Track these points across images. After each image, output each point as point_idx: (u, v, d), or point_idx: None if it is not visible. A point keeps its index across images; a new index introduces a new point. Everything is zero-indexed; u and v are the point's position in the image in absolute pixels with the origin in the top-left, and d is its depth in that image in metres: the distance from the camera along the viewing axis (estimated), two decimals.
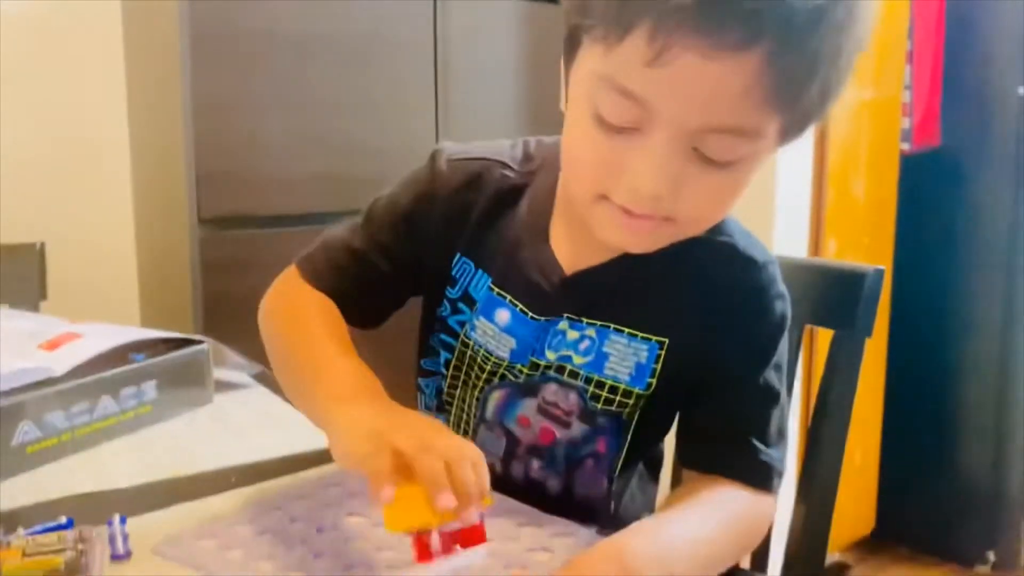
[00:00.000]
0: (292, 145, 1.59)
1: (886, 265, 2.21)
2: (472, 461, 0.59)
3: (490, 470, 0.66)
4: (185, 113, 1.47)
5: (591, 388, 0.80)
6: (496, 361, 0.82)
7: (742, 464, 0.76)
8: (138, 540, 0.70)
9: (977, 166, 2.23)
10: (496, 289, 0.82)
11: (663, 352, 0.78)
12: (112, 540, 0.69)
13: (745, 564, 0.92)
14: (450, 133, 1.73)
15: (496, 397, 0.84)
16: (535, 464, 0.84)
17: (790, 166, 1.94)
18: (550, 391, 0.81)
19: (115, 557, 0.67)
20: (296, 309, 0.82)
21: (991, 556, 2.29)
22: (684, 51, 0.57)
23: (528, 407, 0.83)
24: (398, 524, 0.59)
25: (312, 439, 0.94)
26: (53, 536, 0.68)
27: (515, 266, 0.81)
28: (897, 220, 2.23)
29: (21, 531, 0.69)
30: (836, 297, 1.03)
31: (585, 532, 0.71)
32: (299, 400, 0.78)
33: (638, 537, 0.62)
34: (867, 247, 2.16)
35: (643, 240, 0.70)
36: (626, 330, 0.78)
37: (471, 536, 0.60)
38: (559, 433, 0.82)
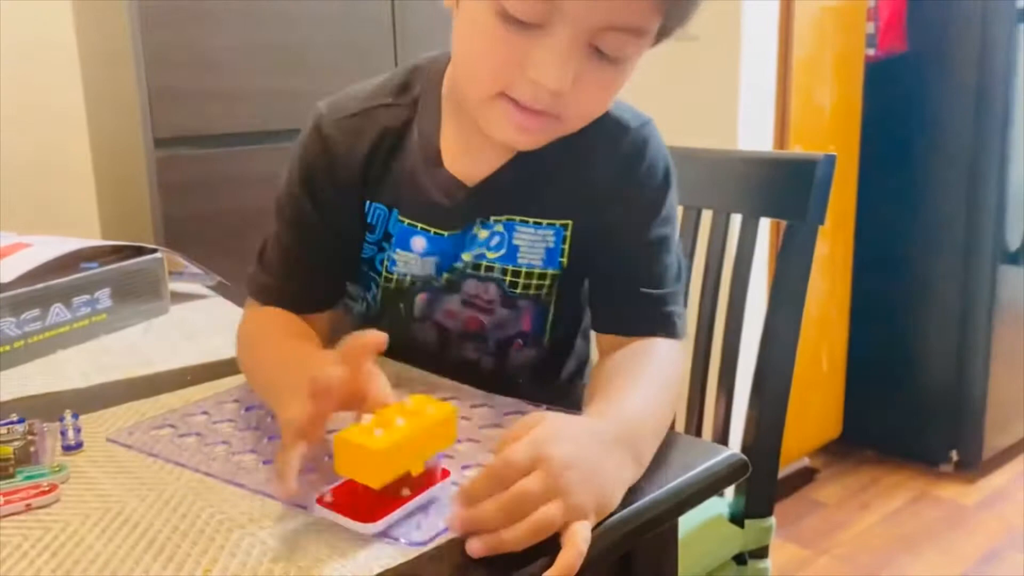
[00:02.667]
0: (245, 60, 1.55)
1: (852, 171, 2.23)
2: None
3: (427, 356, 0.79)
4: (133, 28, 1.43)
5: (507, 278, 0.83)
6: (419, 279, 0.85)
7: (653, 320, 0.79)
8: (91, 434, 0.71)
9: (942, 70, 2.22)
10: (406, 220, 0.83)
11: (568, 233, 0.82)
12: (64, 432, 0.69)
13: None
14: (405, 45, 1.70)
15: (420, 298, 0.86)
16: (469, 347, 0.87)
17: (753, 74, 1.93)
18: (470, 286, 0.84)
19: (67, 448, 0.68)
20: (250, 338, 0.82)
21: (954, 456, 2.35)
22: None
23: (452, 302, 0.85)
24: (380, 477, 0.54)
25: None
26: (2, 430, 0.68)
27: (417, 194, 0.82)
28: (863, 126, 2.23)
29: None
30: (789, 187, 1.03)
31: (535, 410, 0.72)
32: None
33: (631, 408, 0.65)
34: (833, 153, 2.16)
35: (533, 136, 0.73)
36: (531, 220, 0.81)
37: (433, 477, 0.59)
38: (485, 319, 0.86)
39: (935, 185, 2.28)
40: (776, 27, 1.96)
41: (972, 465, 2.34)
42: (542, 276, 0.83)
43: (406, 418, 0.56)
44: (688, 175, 1.16)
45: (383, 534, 0.55)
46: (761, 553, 1.05)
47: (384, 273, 0.86)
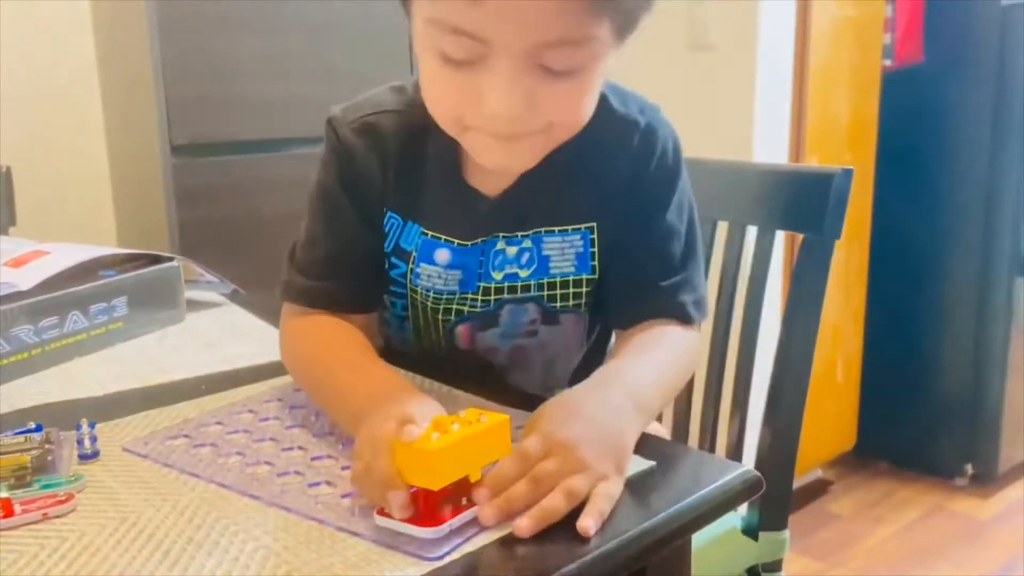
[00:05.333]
0: (262, 67, 1.56)
1: (867, 181, 2.22)
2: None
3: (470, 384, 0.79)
4: (151, 35, 1.44)
5: (545, 292, 0.83)
6: (448, 297, 0.84)
7: (666, 310, 0.81)
8: (107, 443, 0.71)
9: (959, 81, 2.21)
10: (429, 233, 0.82)
11: (595, 236, 0.82)
12: (80, 442, 0.69)
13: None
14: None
15: (460, 332, 0.86)
16: (516, 374, 0.89)
17: (770, 84, 1.92)
18: (507, 314, 0.84)
19: (83, 457, 0.68)
20: (305, 351, 0.82)
21: (969, 469, 2.33)
22: None
23: (492, 337, 0.86)
24: (440, 479, 0.55)
25: None
26: (20, 438, 0.68)
27: (439, 206, 0.82)
28: (879, 137, 2.22)
29: None
30: (805, 200, 1.03)
31: None
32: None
33: (633, 370, 0.72)
34: (849, 164, 2.15)
35: (522, 157, 0.74)
36: (556, 228, 0.82)
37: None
38: (529, 343, 0.86)
39: (951, 196, 2.27)
40: (792, 37, 1.96)
41: (988, 479, 2.32)
42: (578, 283, 0.83)
43: (461, 425, 0.57)
44: (704, 186, 1.16)
45: (445, 540, 0.55)
46: (775, 566, 1.05)
47: (408, 286, 0.85)
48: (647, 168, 0.81)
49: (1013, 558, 2.01)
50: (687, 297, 0.82)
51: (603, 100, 0.79)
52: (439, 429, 0.56)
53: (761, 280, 1.08)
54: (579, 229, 0.82)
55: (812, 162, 2.04)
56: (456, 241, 0.82)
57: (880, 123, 2.21)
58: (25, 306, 0.87)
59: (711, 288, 1.12)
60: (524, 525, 0.55)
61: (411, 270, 0.84)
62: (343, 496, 0.62)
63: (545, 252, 0.82)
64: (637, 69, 1.85)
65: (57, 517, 0.60)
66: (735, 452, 1.09)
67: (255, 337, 1.00)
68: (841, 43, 2.06)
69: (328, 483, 0.64)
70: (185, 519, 0.59)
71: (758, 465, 1.05)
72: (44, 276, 0.90)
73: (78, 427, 0.72)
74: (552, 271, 0.82)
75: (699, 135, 1.99)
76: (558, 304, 0.84)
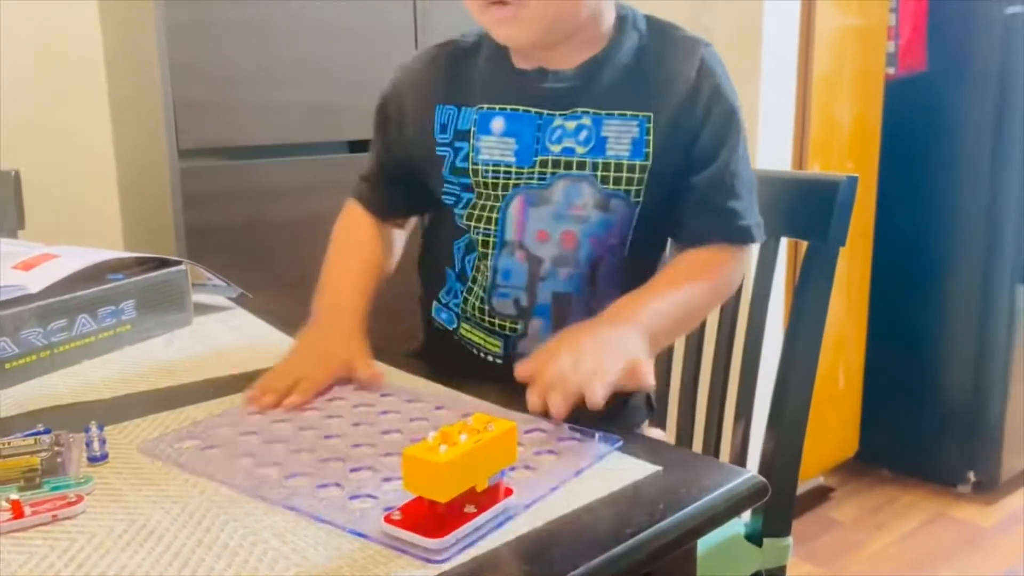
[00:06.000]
0: (270, 72, 1.57)
1: (870, 188, 2.22)
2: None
3: (514, 304, 0.92)
4: (159, 39, 1.45)
5: (599, 172, 0.89)
6: (506, 170, 0.91)
7: (727, 231, 0.91)
8: (116, 445, 0.72)
9: (962, 89, 2.22)
10: (484, 106, 0.92)
11: (651, 125, 0.88)
12: (89, 444, 0.70)
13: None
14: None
15: (514, 212, 0.91)
16: (562, 274, 0.92)
17: (773, 90, 1.93)
18: (560, 190, 0.90)
19: (92, 459, 0.69)
20: (336, 232, 1.03)
21: (971, 476, 2.33)
22: None
23: (544, 217, 0.91)
24: (447, 491, 0.55)
25: None
26: (30, 440, 0.69)
27: (492, 87, 0.93)
28: (882, 144, 2.22)
29: None
30: (810, 207, 1.04)
31: (592, 444, 0.71)
32: None
33: (634, 296, 0.85)
34: (851, 171, 2.15)
35: (511, 27, 0.85)
36: (616, 112, 0.89)
37: (497, 495, 0.59)
38: (578, 230, 0.90)
39: (953, 204, 2.28)
40: (796, 44, 1.96)
41: (990, 486, 2.32)
42: (631, 168, 0.89)
43: (468, 435, 0.57)
44: None
45: (447, 550, 0.55)
46: (778, 573, 1.05)
47: (470, 167, 0.92)
48: (707, 83, 0.89)
49: (1015, 566, 2.01)
50: (750, 220, 0.91)
51: (669, 25, 0.93)
52: (446, 440, 0.56)
53: (766, 287, 1.09)
54: (636, 116, 0.88)
55: (815, 169, 2.05)
56: (509, 107, 0.91)
57: (883, 131, 2.21)
58: (35, 309, 0.88)
59: None
60: (557, 403, 0.71)
61: (472, 146, 0.92)
62: (351, 498, 0.62)
63: (604, 133, 0.88)
64: None
65: (67, 519, 0.60)
66: (739, 458, 1.10)
67: (262, 341, 1.01)
68: (845, 50, 2.07)
69: (337, 485, 0.64)
70: (194, 521, 0.60)
71: (762, 471, 1.05)
72: (53, 279, 0.91)
73: (87, 430, 0.72)
74: (608, 152, 0.88)
75: None
76: (611, 186, 0.89)
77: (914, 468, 2.42)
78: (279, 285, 1.17)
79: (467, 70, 0.94)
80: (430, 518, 0.56)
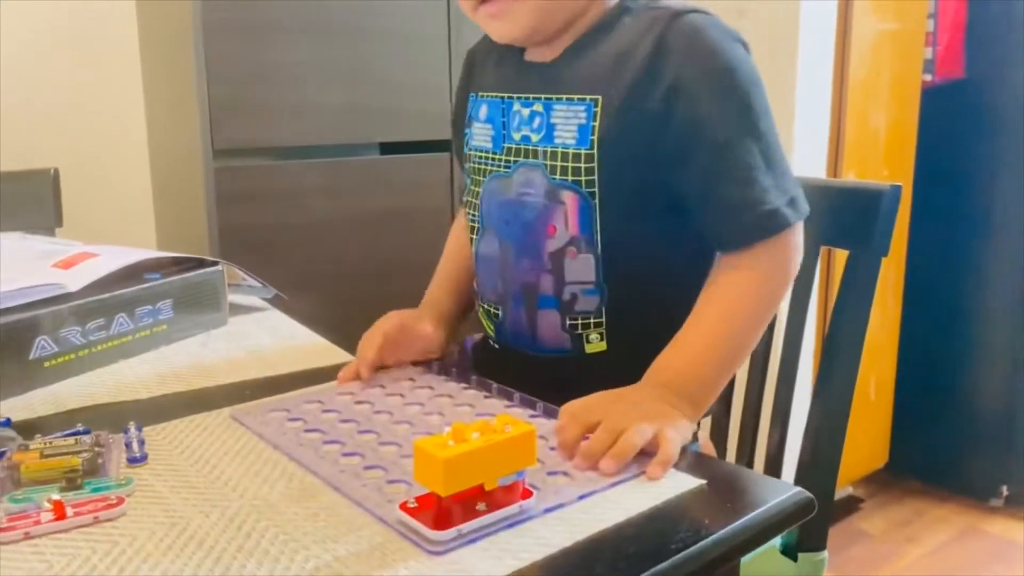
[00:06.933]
0: (306, 73, 1.57)
1: (905, 197, 2.19)
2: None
3: (494, 289, 0.91)
4: (196, 39, 1.46)
5: (548, 162, 0.84)
6: (487, 156, 0.92)
7: (745, 228, 0.79)
8: (153, 447, 0.72)
9: (1000, 97, 2.18)
10: (479, 94, 0.94)
11: (598, 109, 0.81)
12: (128, 445, 0.70)
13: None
14: (459, 60, 1.70)
15: (485, 198, 0.91)
16: (526, 263, 0.87)
17: (809, 95, 1.91)
18: (518, 179, 0.87)
19: (131, 460, 0.69)
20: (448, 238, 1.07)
21: (1004, 491, 2.29)
22: None
23: (505, 205, 0.89)
24: (448, 486, 0.56)
25: (328, 356, 0.95)
26: (71, 440, 0.69)
27: (494, 73, 0.94)
28: (917, 152, 2.19)
29: (39, 436, 0.71)
30: (853, 216, 1.02)
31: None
32: None
33: (662, 359, 0.78)
34: (886, 179, 2.13)
35: (501, 23, 0.84)
36: (564, 97, 0.84)
37: (513, 495, 0.59)
38: (533, 220, 0.86)
39: (989, 213, 2.24)
40: (832, 49, 1.94)
41: (1023, 501, 2.28)
42: (576, 157, 0.82)
43: (483, 434, 0.57)
44: None
45: (452, 543, 0.56)
46: None
47: (467, 152, 0.95)
48: (673, 59, 0.79)
49: None
50: (776, 202, 0.79)
51: (659, 4, 0.83)
52: (456, 437, 0.57)
53: (804, 295, 1.07)
54: (584, 100, 0.82)
55: (850, 176, 2.03)
56: (490, 94, 0.92)
57: (919, 138, 2.18)
58: (74, 308, 0.88)
59: None
60: (608, 466, 0.65)
61: (469, 131, 0.95)
62: (389, 481, 0.64)
63: (552, 120, 0.84)
64: None
65: (108, 520, 0.60)
66: (774, 467, 1.08)
67: (297, 342, 1.01)
68: (882, 56, 2.04)
69: (381, 468, 0.67)
70: (235, 526, 0.59)
71: (797, 482, 1.04)
72: (92, 278, 0.91)
73: (126, 430, 0.72)
74: (556, 140, 0.84)
75: None
76: (558, 176, 0.83)
77: (945, 480, 2.38)
78: (310, 286, 1.17)
79: (490, 61, 0.96)
80: (438, 510, 0.57)
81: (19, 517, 0.59)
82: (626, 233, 0.84)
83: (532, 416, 0.78)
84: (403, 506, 0.59)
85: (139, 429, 0.73)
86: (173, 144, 1.71)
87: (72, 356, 0.89)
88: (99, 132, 1.81)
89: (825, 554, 1.04)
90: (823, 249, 1.06)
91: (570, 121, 0.83)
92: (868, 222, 0.99)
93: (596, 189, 0.82)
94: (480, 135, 0.92)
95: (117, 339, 0.93)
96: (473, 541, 0.57)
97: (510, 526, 0.58)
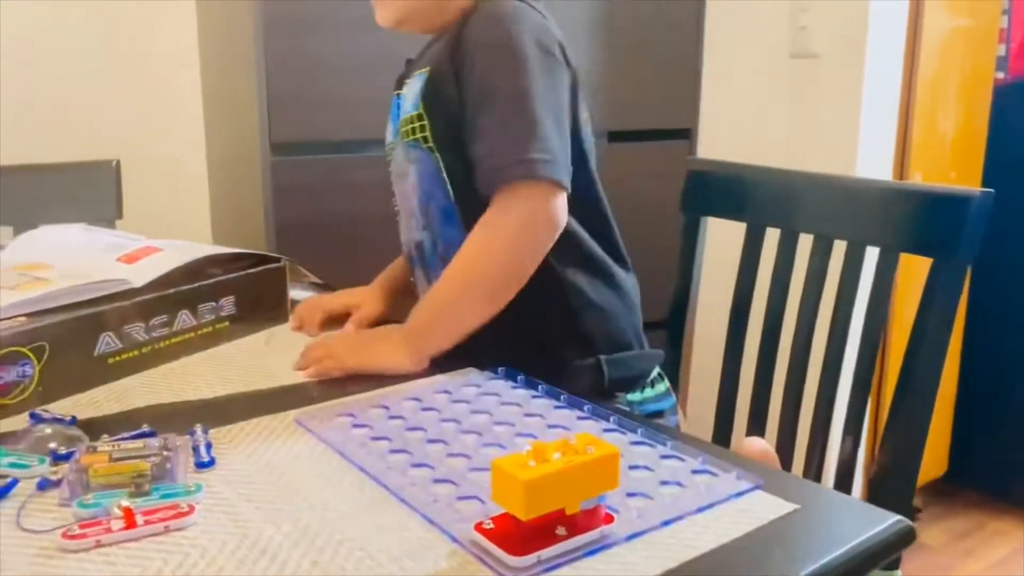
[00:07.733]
0: (363, 68, 1.55)
1: None
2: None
3: (409, 256, 1.05)
4: (256, 34, 1.44)
5: (402, 128, 0.99)
6: (388, 149, 1.06)
7: (493, 172, 0.89)
8: (221, 451, 0.70)
9: None
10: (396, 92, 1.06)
11: (427, 78, 0.96)
12: (196, 448, 0.68)
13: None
14: None
15: (393, 176, 1.06)
16: (412, 225, 1.01)
17: (876, 94, 1.85)
18: (399, 156, 1.01)
19: (199, 465, 0.67)
20: None
21: None
22: None
23: (397, 185, 1.04)
24: (528, 509, 0.52)
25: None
26: (139, 443, 0.67)
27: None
28: (987, 153, 2.12)
29: (106, 437, 0.70)
30: (936, 223, 0.97)
31: (727, 480, 0.66)
32: None
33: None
34: (953, 181, 2.06)
35: (379, 10, 1.00)
36: (416, 73, 0.98)
37: (595, 520, 0.56)
38: (406, 186, 1.00)
39: None
40: (903, 47, 1.88)
41: None
42: (411, 119, 0.96)
43: (563, 454, 0.54)
44: (819, 203, 1.11)
45: (532, 569, 0.53)
46: None
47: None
48: (467, 33, 0.92)
49: None
50: (521, 156, 0.86)
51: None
52: (538, 457, 0.53)
53: (883, 303, 1.03)
54: (423, 73, 0.97)
55: (916, 177, 1.96)
56: (395, 93, 1.05)
57: (989, 139, 2.11)
58: (138, 303, 0.87)
59: (825, 309, 1.08)
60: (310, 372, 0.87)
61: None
62: (459, 498, 0.62)
63: (404, 92, 1.00)
64: (739, 77, 1.83)
65: (178, 530, 0.58)
66: (845, 479, 1.04)
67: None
68: (952, 54, 1.97)
69: (452, 483, 0.64)
70: (307, 540, 0.57)
71: (870, 494, 1.00)
72: (157, 273, 0.90)
73: (191, 433, 0.71)
74: (404, 109, 0.99)
75: (802, 144, 1.92)
76: (408, 139, 0.97)
77: (1004, 493, 2.31)
78: (367, 281, 1.15)
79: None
80: (516, 534, 0.54)
81: (90, 524, 0.57)
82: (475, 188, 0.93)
83: (580, 418, 0.77)
84: (478, 527, 0.56)
85: (205, 432, 0.71)
86: (230, 138, 1.70)
87: (136, 353, 0.87)
88: (158, 126, 1.82)
89: (899, 574, 1.00)
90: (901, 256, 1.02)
91: (413, 91, 0.97)
92: (955, 229, 0.94)
93: (433, 145, 0.95)
94: (390, 131, 1.06)
95: (179, 336, 0.92)
96: (554, 567, 0.54)
97: (591, 553, 0.55)
